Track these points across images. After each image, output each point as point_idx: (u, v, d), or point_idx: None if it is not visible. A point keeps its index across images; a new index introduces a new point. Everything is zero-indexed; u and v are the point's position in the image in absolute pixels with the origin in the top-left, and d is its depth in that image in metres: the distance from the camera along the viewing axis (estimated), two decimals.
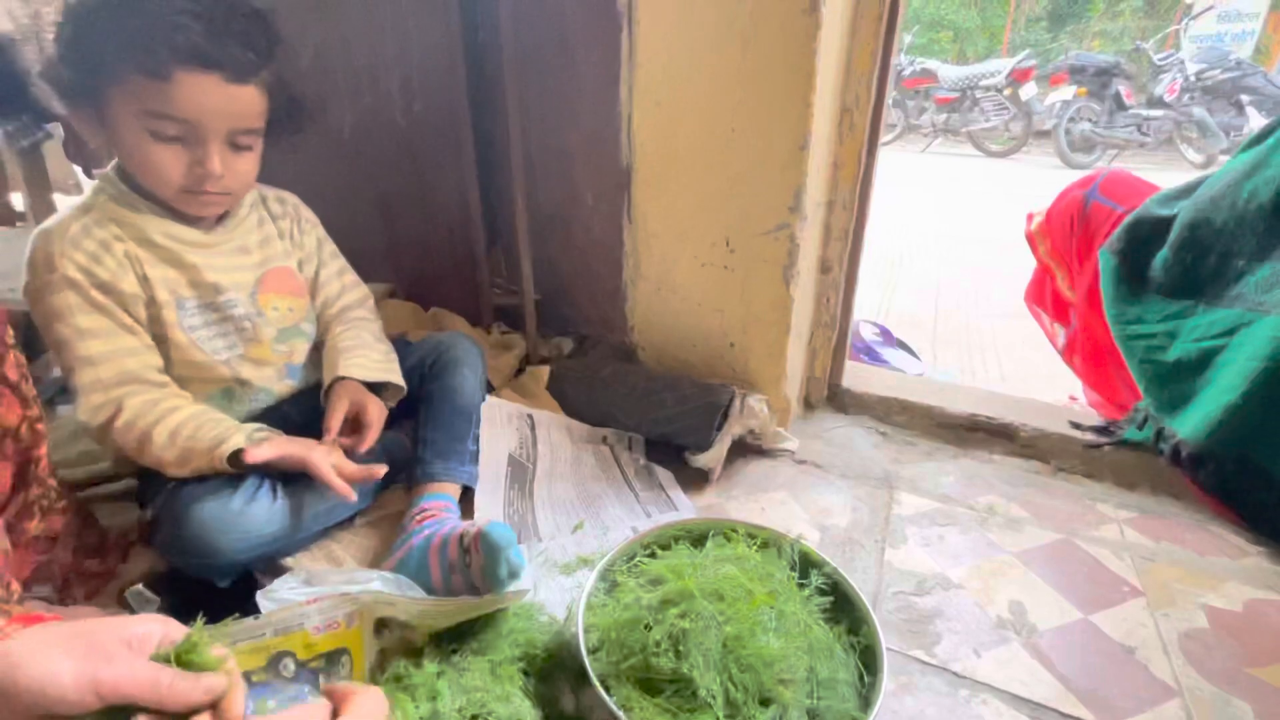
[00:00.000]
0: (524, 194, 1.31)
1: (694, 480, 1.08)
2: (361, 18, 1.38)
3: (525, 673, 0.68)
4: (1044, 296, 1.47)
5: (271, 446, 0.78)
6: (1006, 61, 6.81)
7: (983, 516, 1.03)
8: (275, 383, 0.92)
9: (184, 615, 0.48)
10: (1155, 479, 1.11)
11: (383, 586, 0.71)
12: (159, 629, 0.44)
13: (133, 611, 0.75)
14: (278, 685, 0.53)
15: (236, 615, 0.52)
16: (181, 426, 0.77)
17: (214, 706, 0.42)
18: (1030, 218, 1.43)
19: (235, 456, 0.76)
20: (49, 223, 0.77)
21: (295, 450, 0.79)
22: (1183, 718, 0.72)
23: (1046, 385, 1.80)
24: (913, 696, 0.74)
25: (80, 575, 0.78)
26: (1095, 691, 0.74)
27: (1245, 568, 0.94)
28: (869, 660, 0.69)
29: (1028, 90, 6.48)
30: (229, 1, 0.73)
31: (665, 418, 1.12)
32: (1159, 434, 1.09)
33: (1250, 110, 5.50)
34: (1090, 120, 6.11)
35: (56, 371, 0.77)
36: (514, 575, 0.75)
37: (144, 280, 0.79)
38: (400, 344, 1.03)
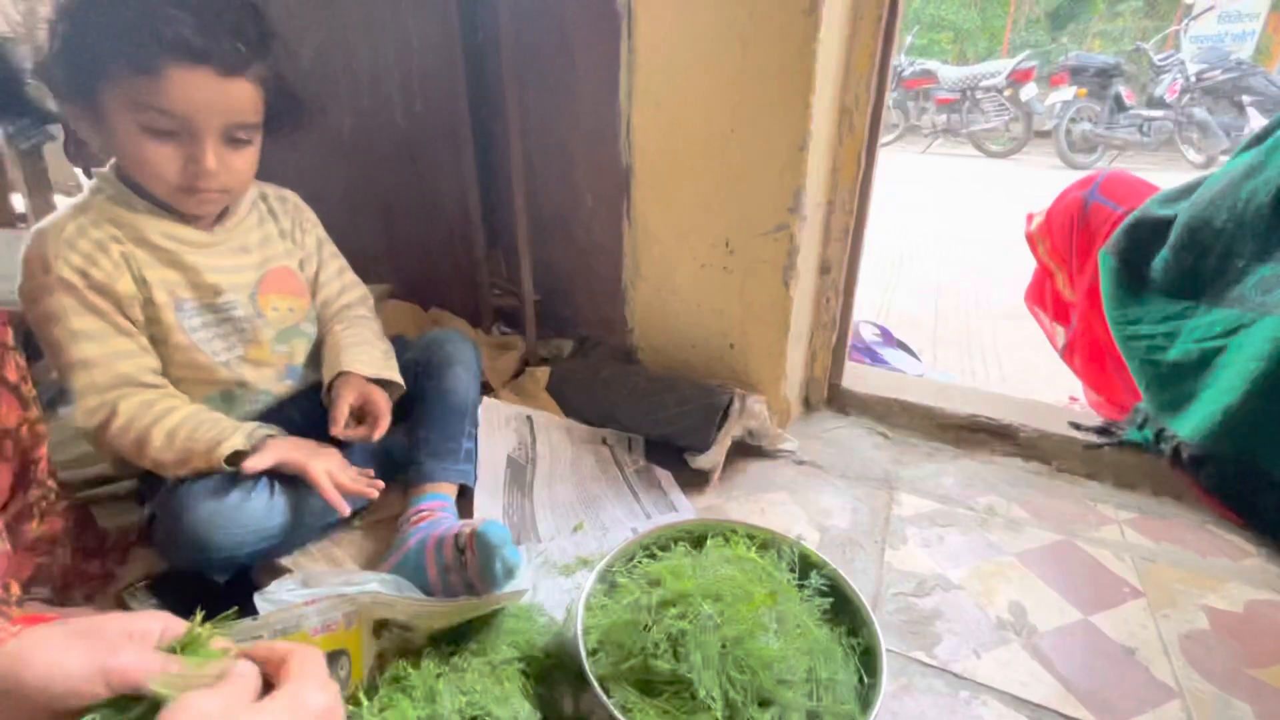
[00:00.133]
0: (524, 195, 1.31)
1: (694, 481, 1.08)
2: (361, 19, 1.39)
3: (524, 674, 0.68)
4: (1044, 297, 1.47)
5: (271, 453, 0.78)
6: (1007, 62, 6.82)
7: (983, 517, 1.03)
8: (275, 384, 0.91)
9: (183, 616, 0.48)
10: (1156, 480, 1.11)
11: (381, 588, 0.71)
12: (159, 624, 0.44)
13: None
14: None
15: (235, 609, 0.51)
16: (179, 427, 0.77)
17: None
18: (1030, 218, 1.43)
19: (234, 456, 0.76)
20: (44, 223, 0.76)
21: (295, 457, 0.79)
22: (1183, 719, 0.72)
23: (1047, 386, 1.80)
24: (913, 698, 0.74)
25: (79, 577, 0.78)
26: (1096, 693, 0.74)
27: (1246, 568, 0.94)
28: (869, 661, 0.69)
29: (1028, 91, 6.49)
30: None
31: (665, 419, 1.12)
32: (1159, 435, 1.09)
33: (1251, 111, 5.49)
34: (1091, 121, 6.11)
35: (56, 373, 0.77)
36: (510, 574, 0.75)
37: (141, 281, 0.79)
38: (397, 342, 1.02)
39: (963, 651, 0.79)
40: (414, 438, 0.96)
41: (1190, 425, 1.04)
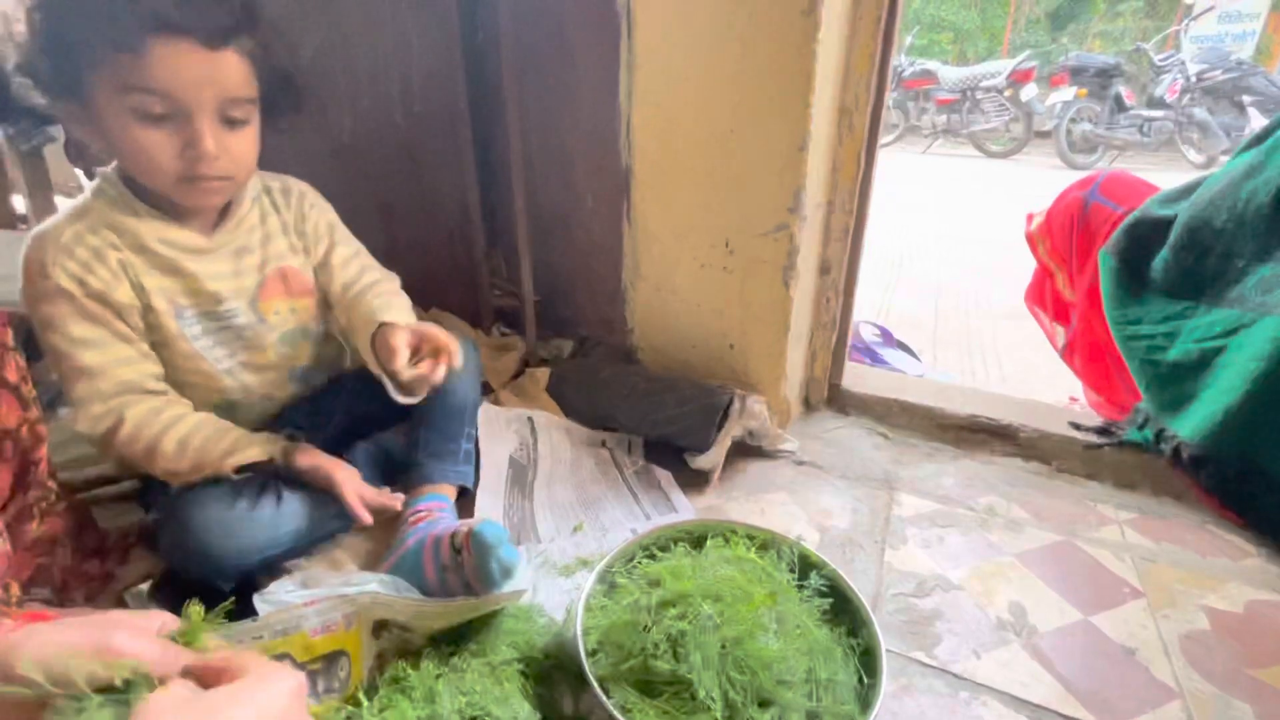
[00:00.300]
0: (524, 195, 1.31)
1: (693, 481, 1.08)
2: (361, 19, 1.39)
3: (524, 674, 0.68)
4: (1044, 297, 1.47)
5: (310, 455, 0.79)
6: (1007, 62, 6.82)
7: (983, 518, 1.03)
8: (278, 389, 0.91)
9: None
10: (1156, 480, 1.11)
11: (380, 588, 0.71)
12: (158, 620, 0.44)
13: None
14: None
15: (232, 600, 0.51)
16: (190, 435, 0.76)
17: None
18: (1030, 218, 1.43)
19: (245, 466, 0.76)
20: (42, 227, 0.75)
21: (324, 465, 0.80)
22: (1183, 719, 0.72)
23: (1047, 386, 1.80)
24: (913, 698, 0.74)
25: (80, 577, 0.78)
26: (1096, 693, 0.74)
27: (1246, 569, 0.94)
28: (869, 662, 0.69)
29: (1028, 91, 6.49)
30: None
31: (665, 419, 1.12)
32: (1159, 435, 1.09)
33: (1251, 111, 5.49)
34: (1091, 121, 6.11)
35: (58, 377, 0.77)
36: (506, 573, 0.75)
37: (139, 289, 0.77)
38: None
39: (963, 652, 0.79)
40: (413, 438, 0.96)
41: (1190, 425, 1.04)
